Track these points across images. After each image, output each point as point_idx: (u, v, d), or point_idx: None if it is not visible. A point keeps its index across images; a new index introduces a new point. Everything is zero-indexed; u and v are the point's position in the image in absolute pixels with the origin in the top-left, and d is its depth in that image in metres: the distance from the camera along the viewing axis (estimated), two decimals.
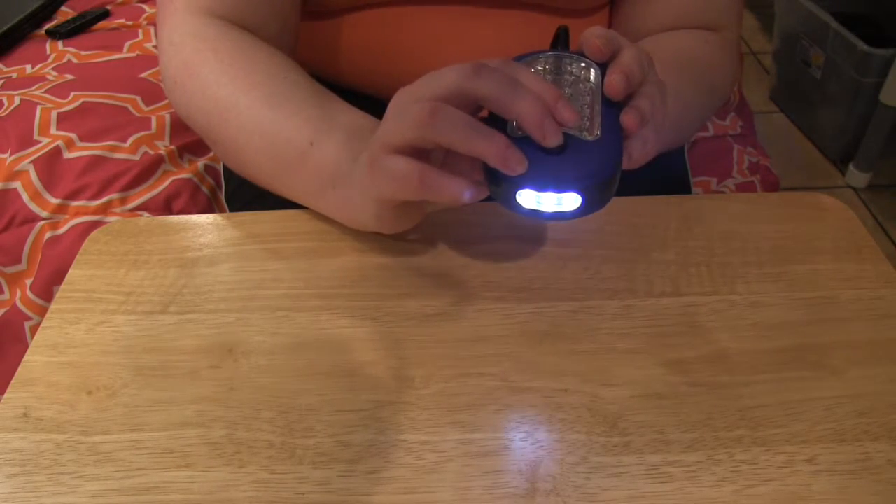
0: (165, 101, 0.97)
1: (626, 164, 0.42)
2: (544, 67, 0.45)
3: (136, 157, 0.91)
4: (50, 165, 0.89)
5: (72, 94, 0.98)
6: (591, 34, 0.43)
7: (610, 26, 0.66)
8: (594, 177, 0.40)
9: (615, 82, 0.42)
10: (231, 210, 0.73)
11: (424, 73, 0.53)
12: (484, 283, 0.49)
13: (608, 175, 0.41)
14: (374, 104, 0.65)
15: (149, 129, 0.95)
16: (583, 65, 0.45)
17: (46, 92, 0.99)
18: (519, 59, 0.45)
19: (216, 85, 0.51)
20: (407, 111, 0.41)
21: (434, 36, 0.62)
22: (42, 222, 0.86)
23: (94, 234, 0.54)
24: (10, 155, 0.90)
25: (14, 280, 0.88)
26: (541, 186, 0.40)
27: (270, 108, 0.50)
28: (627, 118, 0.41)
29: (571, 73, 0.45)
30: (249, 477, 0.39)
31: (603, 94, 0.43)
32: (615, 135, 0.42)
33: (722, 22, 0.63)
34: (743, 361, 0.45)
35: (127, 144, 0.93)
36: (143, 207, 0.88)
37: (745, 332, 0.46)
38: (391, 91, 0.59)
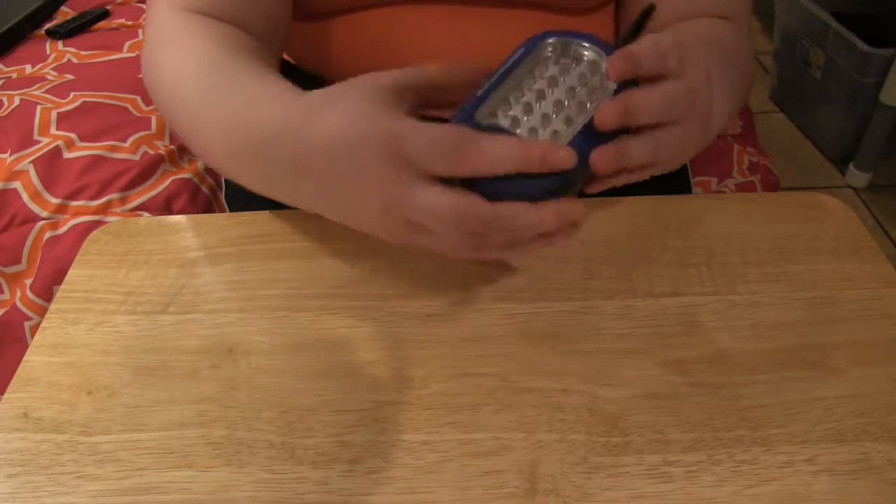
0: None
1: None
2: (551, 55, 0.43)
3: (136, 157, 0.91)
4: (50, 165, 0.89)
5: (72, 94, 0.98)
6: (615, 58, 0.40)
7: (615, 23, 0.66)
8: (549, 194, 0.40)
9: (607, 115, 0.39)
10: (231, 210, 0.73)
11: None
12: (484, 283, 0.49)
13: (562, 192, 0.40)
14: None
15: (149, 128, 0.95)
16: (591, 58, 0.42)
17: (46, 92, 0.99)
18: (531, 42, 0.43)
19: (184, 80, 0.50)
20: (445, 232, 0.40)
21: (429, 36, 0.62)
22: (42, 222, 0.86)
23: (94, 234, 0.54)
24: (10, 155, 0.90)
25: (14, 280, 0.88)
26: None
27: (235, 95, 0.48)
28: (599, 158, 0.39)
29: (578, 68, 0.43)
30: (249, 477, 0.39)
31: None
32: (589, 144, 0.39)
33: (736, 17, 0.60)
34: (743, 361, 0.45)
35: (127, 144, 0.93)
36: (143, 207, 0.88)
37: (745, 332, 0.46)
38: None
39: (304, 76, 0.67)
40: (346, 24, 0.62)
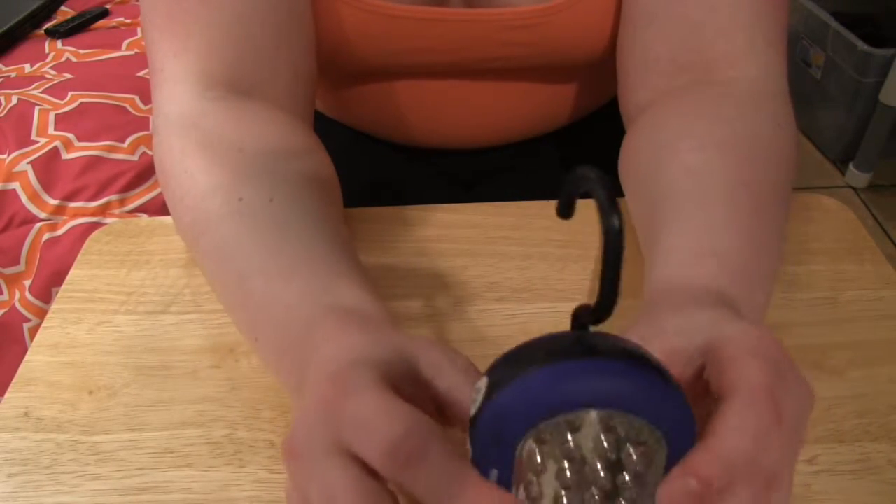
0: None
1: None
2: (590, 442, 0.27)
3: (135, 158, 0.92)
4: (48, 166, 0.89)
5: (70, 94, 0.98)
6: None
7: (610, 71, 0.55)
8: None
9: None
10: None
11: (433, 133, 0.58)
12: (484, 284, 0.49)
13: None
14: (384, 146, 0.66)
15: (147, 129, 0.95)
16: (639, 439, 0.27)
17: (44, 92, 0.99)
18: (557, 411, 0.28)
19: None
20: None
21: (443, 104, 0.62)
22: (40, 223, 0.86)
23: (95, 233, 0.54)
24: (9, 155, 0.90)
25: (13, 281, 0.88)
26: None
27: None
28: None
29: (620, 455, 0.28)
30: (250, 476, 0.39)
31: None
32: None
33: (753, 52, 0.48)
34: None
35: (125, 145, 0.93)
36: (142, 209, 0.88)
37: None
38: (405, 139, 0.63)
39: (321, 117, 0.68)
40: (360, 87, 0.62)
